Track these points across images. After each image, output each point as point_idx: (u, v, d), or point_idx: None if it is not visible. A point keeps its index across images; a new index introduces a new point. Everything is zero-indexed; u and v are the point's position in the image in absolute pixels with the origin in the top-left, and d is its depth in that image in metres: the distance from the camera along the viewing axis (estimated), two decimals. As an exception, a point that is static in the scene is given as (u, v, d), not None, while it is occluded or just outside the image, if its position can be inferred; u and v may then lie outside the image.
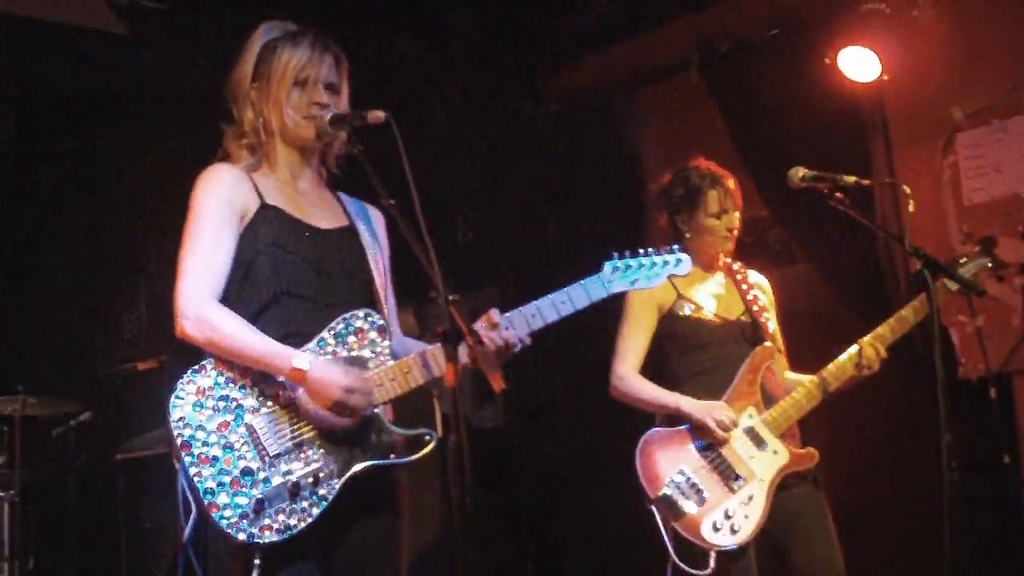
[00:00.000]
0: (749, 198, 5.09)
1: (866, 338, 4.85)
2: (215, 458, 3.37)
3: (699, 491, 4.64)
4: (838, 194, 4.64)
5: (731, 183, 5.00)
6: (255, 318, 3.50)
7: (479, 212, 8.13)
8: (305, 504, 3.40)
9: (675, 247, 3.90)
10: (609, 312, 4.93)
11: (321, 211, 3.73)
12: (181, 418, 3.37)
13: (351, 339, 3.57)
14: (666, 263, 3.84)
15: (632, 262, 3.78)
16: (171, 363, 5.90)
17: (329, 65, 3.68)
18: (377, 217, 3.87)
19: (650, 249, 3.84)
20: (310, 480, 3.42)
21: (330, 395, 3.40)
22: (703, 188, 4.93)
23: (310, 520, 3.39)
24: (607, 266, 3.75)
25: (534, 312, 3.61)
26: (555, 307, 3.63)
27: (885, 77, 6.00)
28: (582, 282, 3.69)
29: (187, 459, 3.34)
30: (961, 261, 4.90)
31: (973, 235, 5.95)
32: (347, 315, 3.58)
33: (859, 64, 6.02)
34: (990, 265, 4.93)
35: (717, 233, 4.94)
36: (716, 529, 4.58)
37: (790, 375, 5.00)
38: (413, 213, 3.26)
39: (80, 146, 6.63)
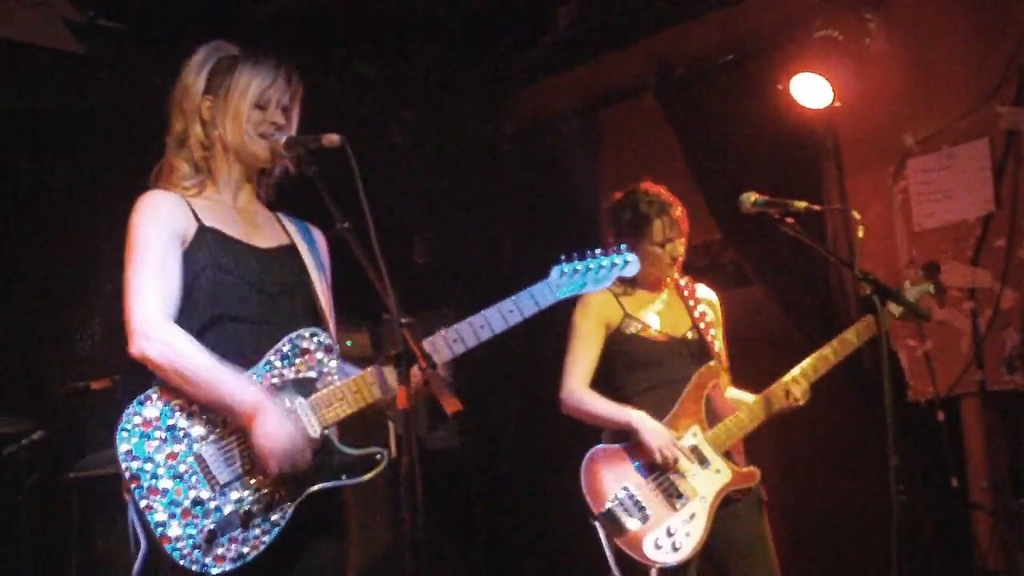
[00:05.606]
0: (703, 221, 5.12)
1: (805, 362, 4.90)
2: (165, 489, 3.31)
3: (642, 508, 4.68)
4: (789, 219, 4.66)
5: (678, 211, 5.01)
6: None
7: (435, 234, 8.14)
8: (258, 531, 3.36)
9: (623, 246, 3.82)
10: (561, 333, 4.96)
11: (261, 230, 3.70)
12: (129, 451, 3.31)
13: (298, 360, 3.53)
14: (614, 264, 3.75)
15: (579, 265, 3.70)
16: (125, 382, 5.87)
17: (289, 90, 3.69)
18: (319, 238, 3.85)
19: (598, 251, 3.77)
20: (262, 507, 3.38)
21: (279, 446, 3.34)
22: (650, 217, 4.95)
23: (263, 547, 3.35)
24: (555, 271, 3.69)
25: (482, 323, 3.55)
26: (503, 316, 3.57)
27: (837, 103, 6.04)
28: (530, 289, 3.63)
29: (137, 492, 3.29)
30: (904, 286, 4.95)
31: (917, 261, 6.00)
32: (293, 335, 3.53)
33: (812, 90, 6.06)
34: (932, 291, 4.98)
35: (661, 261, 4.98)
36: (658, 547, 4.62)
37: (732, 393, 5.04)
38: (367, 235, 3.23)
39: (35, 165, 6.59)
